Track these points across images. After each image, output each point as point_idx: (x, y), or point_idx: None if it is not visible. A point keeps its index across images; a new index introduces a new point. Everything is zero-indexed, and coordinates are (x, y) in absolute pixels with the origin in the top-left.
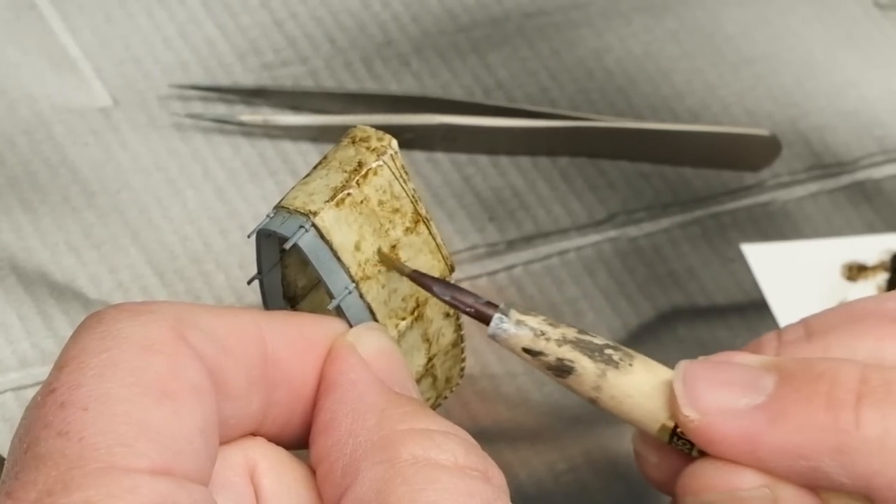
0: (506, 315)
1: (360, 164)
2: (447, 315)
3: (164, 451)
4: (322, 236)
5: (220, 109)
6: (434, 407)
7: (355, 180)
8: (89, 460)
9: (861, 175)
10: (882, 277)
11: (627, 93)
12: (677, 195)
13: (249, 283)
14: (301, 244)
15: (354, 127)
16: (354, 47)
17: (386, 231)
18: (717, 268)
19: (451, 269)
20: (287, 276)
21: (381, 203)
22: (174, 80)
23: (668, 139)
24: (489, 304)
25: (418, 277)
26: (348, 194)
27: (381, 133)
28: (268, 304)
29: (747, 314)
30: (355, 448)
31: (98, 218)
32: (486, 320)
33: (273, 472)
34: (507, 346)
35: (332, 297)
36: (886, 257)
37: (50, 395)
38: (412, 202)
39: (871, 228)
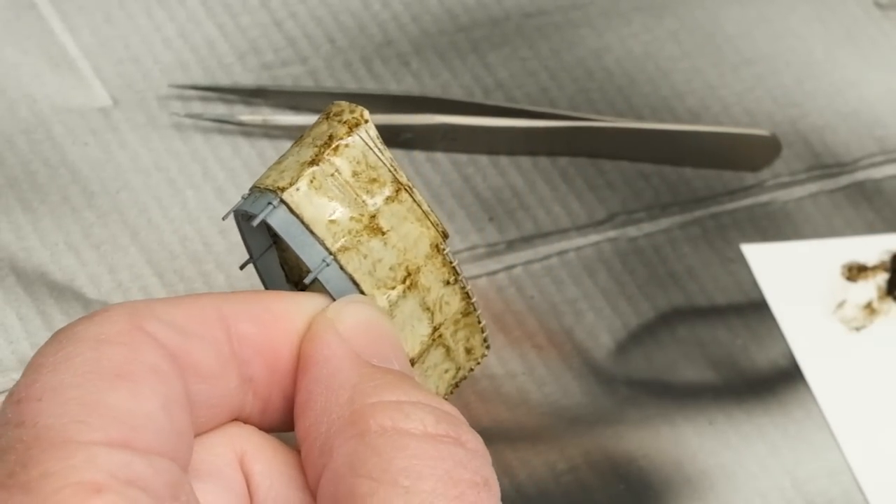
0: None
1: (330, 138)
2: (447, 283)
3: (121, 426)
4: (292, 211)
5: (220, 109)
6: (460, 380)
7: (325, 153)
8: (45, 439)
9: (861, 175)
10: (882, 278)
11: (627, 93)
12: (677, 195)
13: (242, 267)
14: (270, 221)
15: (332, 103)
16: (354, 47)
17: (363, 202)
18: (717, 268)
19: (445, 236)
20: (288, 259)
21: (355, 174)
22: (174, 80)
23: (668, 139)
24: None
25: None
26: (319, 168)
27: (353, 105)
28: (267, 288)
29: (747, 314)
30: (329, 426)
31: (98, 218)
32: None
33: (262, 457)
34: None
35: (309, 271)
36: (886, 257)
37: (8, 397)
38: (391, 171)
39: (871, 228)
